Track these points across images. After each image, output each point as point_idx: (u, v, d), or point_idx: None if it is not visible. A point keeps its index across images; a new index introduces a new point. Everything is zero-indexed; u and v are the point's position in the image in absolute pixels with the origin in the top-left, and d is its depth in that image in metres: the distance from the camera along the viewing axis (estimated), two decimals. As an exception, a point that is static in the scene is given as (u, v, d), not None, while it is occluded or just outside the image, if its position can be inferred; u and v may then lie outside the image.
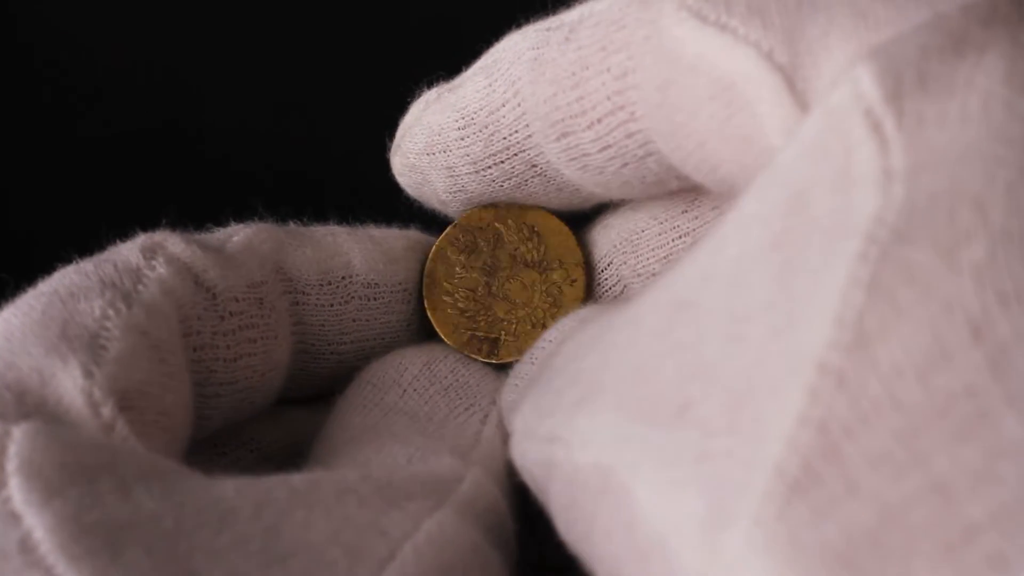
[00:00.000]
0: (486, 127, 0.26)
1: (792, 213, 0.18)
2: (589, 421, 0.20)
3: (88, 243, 0.45)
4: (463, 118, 0.27)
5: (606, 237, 0.28)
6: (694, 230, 0.27)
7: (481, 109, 0.26)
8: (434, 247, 0.29)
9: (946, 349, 0.16)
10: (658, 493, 0.17)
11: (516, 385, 0.26)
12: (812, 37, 0.20)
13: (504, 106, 0.26)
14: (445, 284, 0.29)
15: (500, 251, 0.29)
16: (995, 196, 0.16)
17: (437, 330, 0.29)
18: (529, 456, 0.22)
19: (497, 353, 0.28)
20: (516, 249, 0.28)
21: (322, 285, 0.27)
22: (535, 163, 0.26)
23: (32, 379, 0.21)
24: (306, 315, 0.27)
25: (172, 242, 0.25)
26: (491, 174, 0.27)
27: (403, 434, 0.24)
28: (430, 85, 0.28)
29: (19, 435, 0.20)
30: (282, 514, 0.20)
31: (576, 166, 0.25)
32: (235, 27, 0.45)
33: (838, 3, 0.20)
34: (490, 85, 0.26)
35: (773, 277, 0.17)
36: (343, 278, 0.27)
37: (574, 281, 0.28)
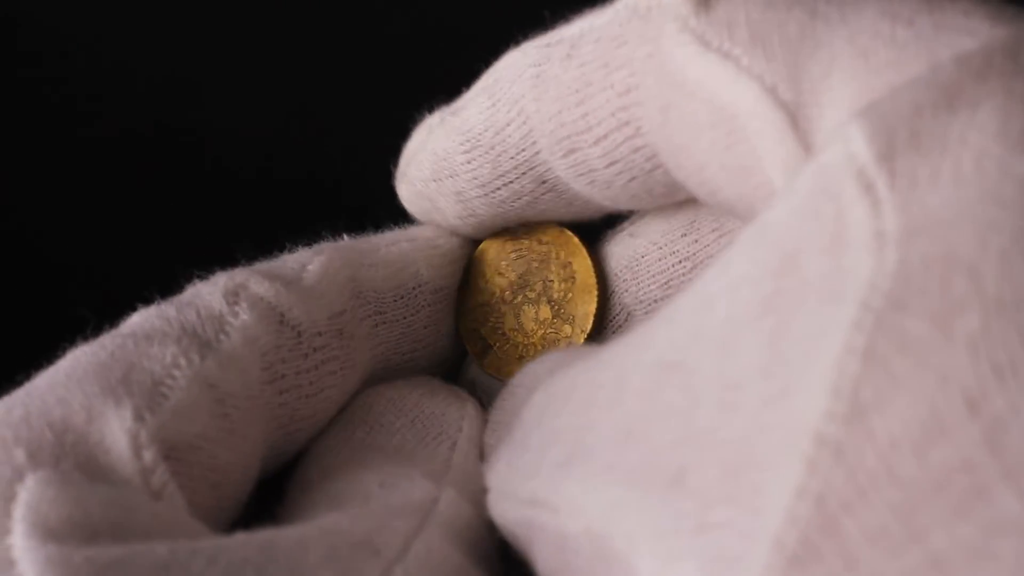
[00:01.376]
0: (492, 148, 0.26)
1: (783, 275, 0.18)
2: (578, 487, 0.19)
3: (88, 242, 0.45)
4: (468, 141, 0.26)
5: (606, 266, 0.28)
6: (694, 254, 0.27)
7: (486, 130, 0.26)
8: (495, 231, 0.29)
9: (942, 422, 0.16)
10: (658, 564, 0.17)
11: (493, 430, 0.26)
12: (815, 75, 0.20)
13: (509, 125, 0.26)
14: (484, 269, 0.29)
15: (539, 273, 0.28)
16: (989, 263, 0.16)
17: (457, 304, 0.29)
18: (509, 516, 0.22)
19: (484, 360, 0.28)
20: (550, 281, 0.28)
21: (396, 300, 0.27)
22: (544, 179, 0.26)
23: (78, 416, 0.21)
24: (383, 332, 0.27)
25: (255, 282, 0.24)
26: (501, 195, 0.27)
27: (373, 465, 0.24)
28: (431, 109, 0.28)
29: (32, 483, 0.20)
30: (288, 560, 0.20)
31: (584, 181, 0.25)
32: (236, 29, 0.45)
33: (839, 39, 0.20)
34: (493, 105, 0.26)
35: (766, 342, 0.17)
36: (414, 288, 0.27)
37: (571, 342, 0.28)
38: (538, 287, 0.28)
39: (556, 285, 0.28)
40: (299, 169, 0.45)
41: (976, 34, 0.19)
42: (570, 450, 0.20)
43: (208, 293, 0.24)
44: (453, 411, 0.26)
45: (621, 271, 0.28)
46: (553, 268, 0.28)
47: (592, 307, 0.28)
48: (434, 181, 0.27)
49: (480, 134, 0.26)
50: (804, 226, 0.18)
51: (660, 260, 0.27)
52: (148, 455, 0.21)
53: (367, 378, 0.27)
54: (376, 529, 0.21)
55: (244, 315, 0.24)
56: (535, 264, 0.28)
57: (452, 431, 0.26)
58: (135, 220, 0.45)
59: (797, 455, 0.16)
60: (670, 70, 0.22)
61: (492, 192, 0.27)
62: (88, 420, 0.21)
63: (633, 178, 0.24)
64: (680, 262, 0.27)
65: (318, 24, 0.45)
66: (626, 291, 0.28)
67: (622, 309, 0.28)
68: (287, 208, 0.45)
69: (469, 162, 0.27)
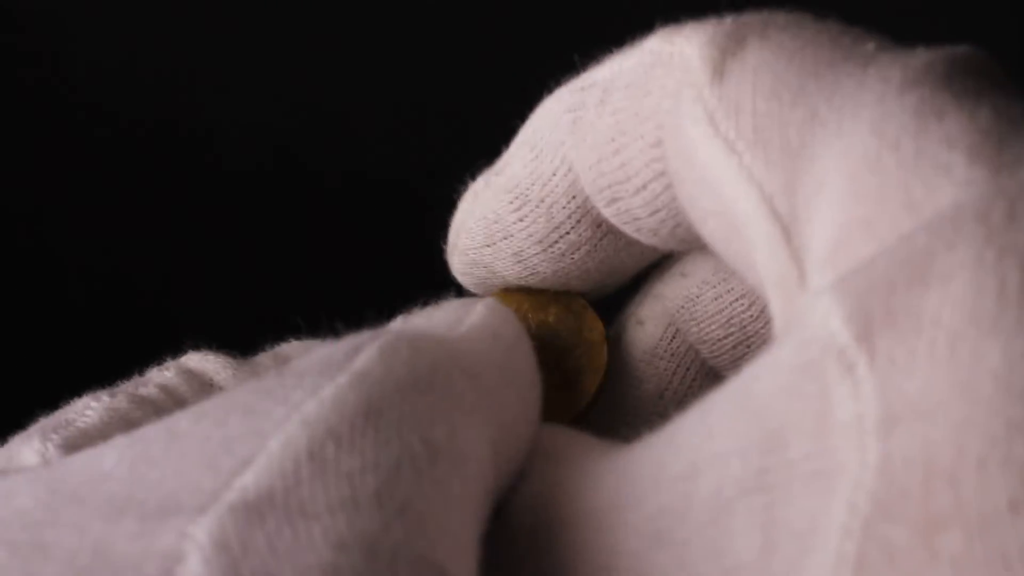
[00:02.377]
0: (543, 201, 0.25)
1: (770, 452, 0.17)
2: None
3: (90, 239, 0.46)
4: (517, 198, 0.26)
5: (662, 307, 0.27)
6: (751, 290, 0.26)
7: (533, 184, 0.25)
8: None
9: None
10: None
11: None
12: (808, 190, 0.20)
13: (555, 175, 0.25)
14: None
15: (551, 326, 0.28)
16: (967, 472, 0.16)
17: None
18: None
19: None
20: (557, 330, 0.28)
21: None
22: (600, 222, 0.25)
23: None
24: None
25: (191, 357, 0.25)
26: (560, 248, 0.26)
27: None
28: (473, 176, 0.27)
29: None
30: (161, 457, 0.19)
31: (630, 229, 0.24)
32: (239, 26, 0.45)
33: (833, 155, 0.19)
34: (536, 157, 0.25)
35: (758, 524, 0.17)
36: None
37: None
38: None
39: (560, 330, 0.28)
40: (302, 165, 0.45)
41: (951, 172, 0.18)
42: None
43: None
44: None
45: (678, 311, 0.27)
46: (566, 323, 0.28)
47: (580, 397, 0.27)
48: (488, 247, 0.27)
49: (528, 188, 0.26)
50: (789, 404, 0.18)
51: (716, 300, 0.27)
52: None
53: None
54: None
55: (167, 373, 0.24)
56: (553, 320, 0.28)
57: None
58: (137, 216, 0.46)
59: None
60: (683, 144, 0.22)
61: (551, 246, 0.26)
62: (8, 461, 0.22)
63: (678, 224, 0.24)
64: (737, 299, 0.26)
65: (322, 21, 0.45)
66: (688, 331, 0.27)
67: (689, 348, 0.27)
68: (289, 204, 0.46)
69: (522, 219, 0.26)
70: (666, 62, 0.22)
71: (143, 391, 0.23)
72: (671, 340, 0.27)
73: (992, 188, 0.18)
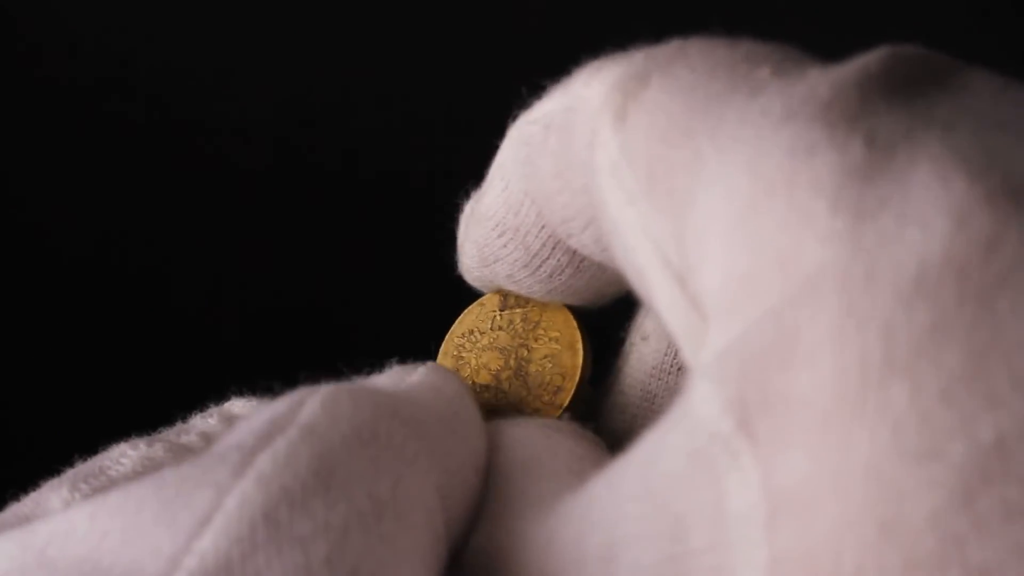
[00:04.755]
0: (518, 229, 0.26)
1: (676, 541, 0.17)
2: None
3: (87, 239, 0.46)
4: (497, 226, 0.26)
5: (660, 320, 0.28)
6: None
7: (507, 213, 0.25)
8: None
9: None
10: None
11: None
12: (696, 236, 0.19)
13: (523, 206, 0.25)
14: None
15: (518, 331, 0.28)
16: None
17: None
18: None
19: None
20: (524, 341, 0.28)
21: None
22: (575, 248, 0.25)
23: (25, 510, 0.21)
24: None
25: (235, 403, 0.25)
26: (544, 271, 0.26)
27: None
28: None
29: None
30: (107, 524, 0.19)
31: (598, 256, 0.24)
32: (240, 21, 0.45)
33: (716, 197, 0.18)
34: (506, 188, 0.25)
35: None
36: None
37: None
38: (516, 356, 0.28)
39: (530, 343, 0.28)
40: (300, 164, 0.45)
41: (815, 223, 0.17)
42: None
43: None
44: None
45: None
46: (531, 336, 0.28)
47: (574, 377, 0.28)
48: (485, 267, 0.27)
49: (503, 217, 0.26)
50: (687, 492, 0.17)
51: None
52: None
53: None
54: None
55: (209, 419, 0.24)
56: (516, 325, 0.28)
57: None
58: (135, 215, 0.46)
59: None
60: (598, 194, 0.21)
61: (536, 271, 0.26)
62: (33, 511, 0.21)
63: (635, 251, 0.23)
64: None
65: (323, 16, 0.45)
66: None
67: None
68: (290, 202, 0.46)
69: (504, 246, 0.26)
70: (582, 108, 0.22)
71: (184, 439, 0.23)
72: (675, 355, 0.27)
73: (851, 243, 0.16)
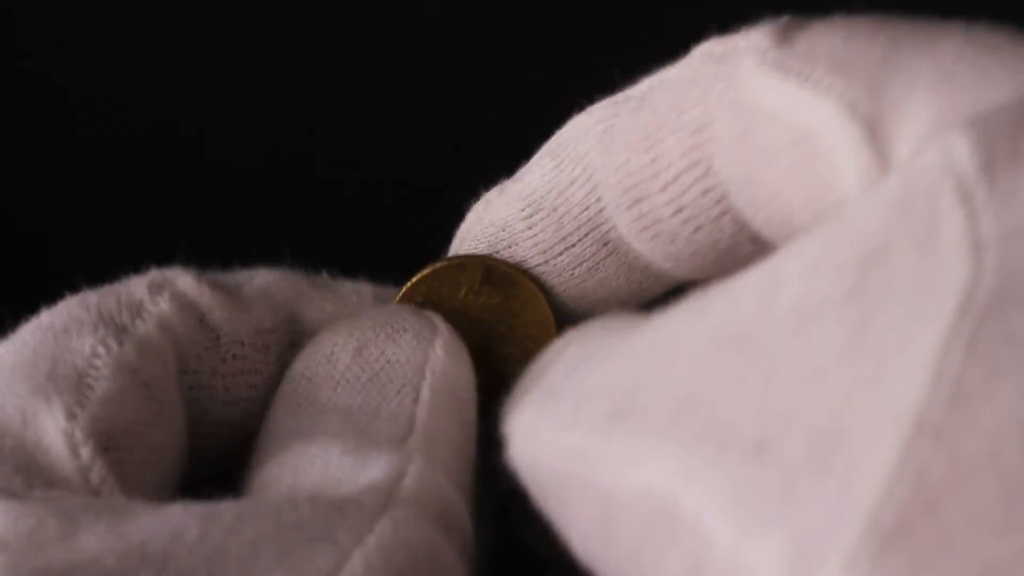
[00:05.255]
0: (555, 209, 0.26)
1: (870, 266, 0.18)
2: (630, 444, 0.19)
3: (88, 242, 0.45)
4: (530, 205, 0.26)
5: None
6: None
7: (549, 191, 0.26)
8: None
9: None
10: (738, 531, 0.17)
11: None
12: (897, 92, 0.20)
13: (573, 184, 0.25)
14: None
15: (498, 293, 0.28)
16: None
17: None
18: (544, 465, 0.21)
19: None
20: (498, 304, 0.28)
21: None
22: (607, 240, 0.26)
23: (14, 419, 0.21)
24: None
25: (181, 279, 0.25)
26: (562, 261, 0.26)
27: (336, 431, 0.24)
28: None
29: None
30: (228, 536, 0.20)
31: (648, 236, 0.25)
32: (237, 25, 0.45)
33: (923, 63, 0.20)
34: (558, 166, 0.26)
35: (853, 327, 0.17)
36: None
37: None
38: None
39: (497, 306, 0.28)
40: (300, 166, 0.45)
41: None
42: (615, 407, 0.20)
43: (134, 283, 0.25)
44: (419, 353, 0.26)
45: None
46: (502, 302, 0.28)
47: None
48: (492, 253, 0.27)
49: (543, 196, 0.26)
50: (894, 222, 0.18)
51: None
52: (85, 452, 0.21)
53: None
54: (334, 511, 0.21)
55: (163, 305, 0.25)
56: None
57: (415, 379, 0.25)
58: (135, 217, 0.46)
59: (894, 438, 0.16)
60: (746, 100, 0.22)
61: (553, 259, 0.26)
62: (23, 423, 0.22)
63: (699, 227, 0.24)
64: None
65: (320, 20, 0.45)
66: None
67: None
68: (287, 205, 0.45)
69: (530, 227, 0.26)
70: (718, 57, 0.23)
71: (142, 329, 0.24)
72: None
73: None
